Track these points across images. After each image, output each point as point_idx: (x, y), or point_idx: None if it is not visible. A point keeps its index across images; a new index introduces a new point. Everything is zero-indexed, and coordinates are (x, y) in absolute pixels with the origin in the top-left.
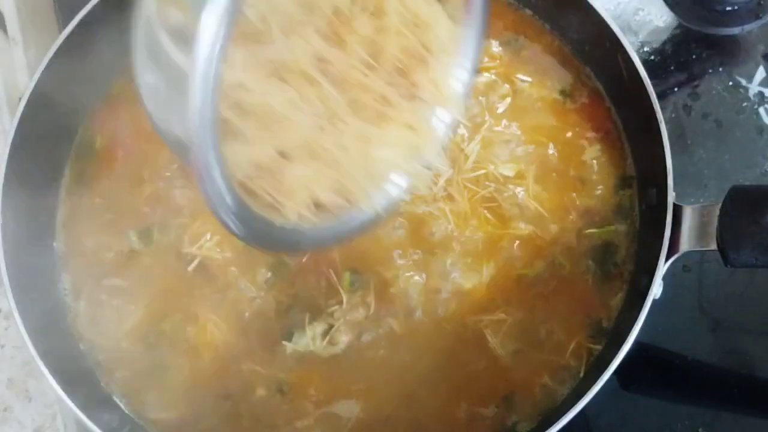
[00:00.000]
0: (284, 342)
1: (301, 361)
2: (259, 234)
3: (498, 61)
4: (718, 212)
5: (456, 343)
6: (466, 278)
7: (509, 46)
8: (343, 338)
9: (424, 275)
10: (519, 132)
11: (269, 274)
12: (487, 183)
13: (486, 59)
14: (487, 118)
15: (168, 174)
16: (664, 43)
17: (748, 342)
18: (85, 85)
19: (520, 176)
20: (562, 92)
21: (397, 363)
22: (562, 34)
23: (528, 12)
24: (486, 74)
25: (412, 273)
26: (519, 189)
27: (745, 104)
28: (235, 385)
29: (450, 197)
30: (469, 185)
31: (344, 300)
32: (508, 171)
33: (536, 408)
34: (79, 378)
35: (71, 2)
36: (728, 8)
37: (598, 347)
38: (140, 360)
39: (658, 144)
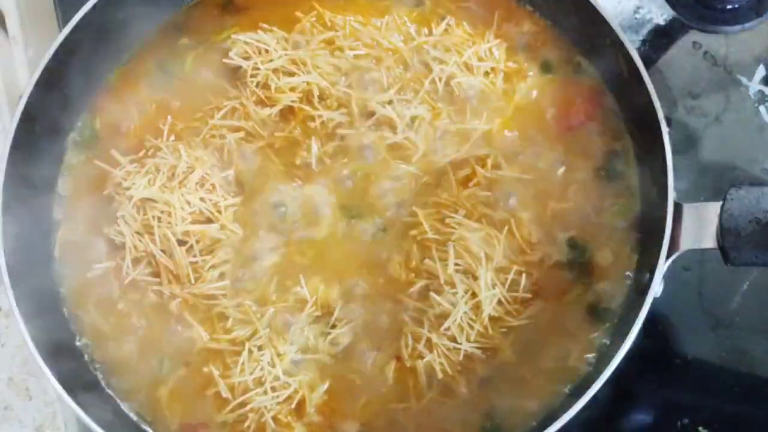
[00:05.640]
0: None
1: None
2: None
3: (498, 59)
4: (718, 211)
5: None
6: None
7: (509, 42)
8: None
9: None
10: (520, 132)
11: None
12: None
13: (485, 55)
14: (493, 117)
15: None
16: (665, 41)
17: (749, 340)
18: (85, 82)
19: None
20: (563, 89)
21: None
22: (563, 32)
23: (529, 8)
24: (486, 68)
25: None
26: (518, 187)
27: (745, 102)
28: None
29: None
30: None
31: None
32: (515, 172)
33: (537, 406)
34: (79, 376)
35: (71, 1)
36: (729, 6)
37: (599, 345)
38: (140, 359)
39: (659, 142)
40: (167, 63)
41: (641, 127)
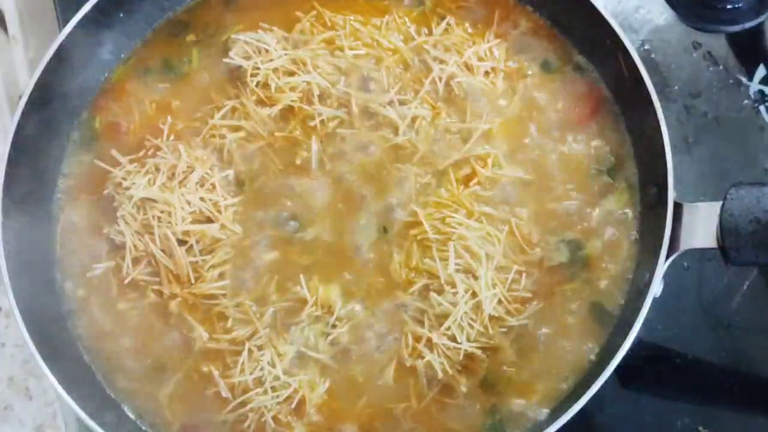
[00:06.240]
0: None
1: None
2: None
3: (498, 59)
4: (718, 210)
5: None
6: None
7: (509, 42)
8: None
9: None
10: (520, 132)
11: None
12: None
13: (485, 55)
14: (493, 117)
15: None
16: (665, 41)
17: (749, 340)
18: (85, 81)
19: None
20: (563, 89)
21: None
22: (564, 32)
23: (529, 8)
24: (486, 67)
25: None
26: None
27: (745, 102)
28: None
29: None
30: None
31: None
32: (516, 171)
33: (538, 405)
34: (80, 376)
35: (71, 1)
36: (729, 6)
37: (599, 345)
38: (140, 358)
39: (659, 142)
40: (172, 60)
41: (641, 127)
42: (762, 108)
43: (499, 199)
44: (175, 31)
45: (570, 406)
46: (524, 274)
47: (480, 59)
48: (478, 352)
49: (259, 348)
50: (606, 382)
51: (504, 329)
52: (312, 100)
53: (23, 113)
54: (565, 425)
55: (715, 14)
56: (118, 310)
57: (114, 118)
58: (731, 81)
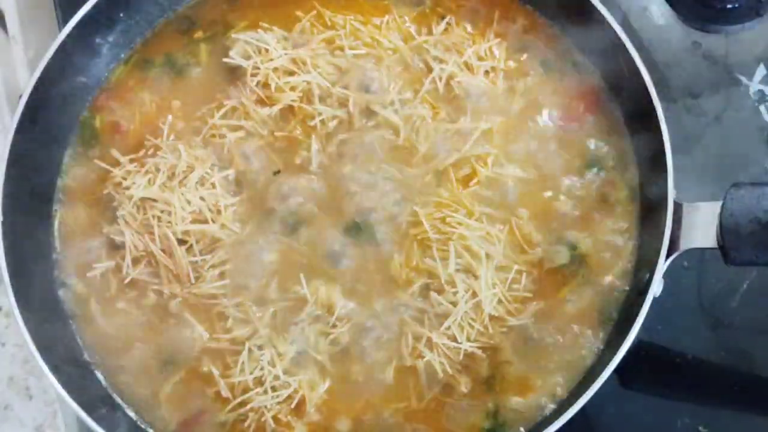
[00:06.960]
0: None
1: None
2: None
3: (498, 58)
4: (718, 210)
5: None
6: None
7: (509, 41)
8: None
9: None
10: (520, 131)
11: None
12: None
13: (485, 54)
14: (493, 116)
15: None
16: (665, 41)
17: (749, 340)
18: (85, 80)
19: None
20: (563, 89)
21: None
22: (564, 31)
23: (529, 8)
24: (486, 67)
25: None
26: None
27: (745, 102)
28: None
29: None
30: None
31: None
32: (516, 171)
33: (538, 405)
34: (79, 376)
35: (71, 1)
36: (729, 6)
37: (599, 345)
38: (140, 358)
39: (659, 142)
40: (175, 58)
41: (641, 127)
42: (762, 107)
43: (499, 198)
44: (182, 28)
45: (570, 406)
46: (524, 274)
47: (480, 59)
48: (479, 351)
49: (259, 348)
50: (606, 382)
51: (504, 329)
52: (312, 100)
53: (23, 113)
54: (565, 425)
55: (715, 14)
56: (118, 309)
57: (114, 118)
58: (731, 81)
